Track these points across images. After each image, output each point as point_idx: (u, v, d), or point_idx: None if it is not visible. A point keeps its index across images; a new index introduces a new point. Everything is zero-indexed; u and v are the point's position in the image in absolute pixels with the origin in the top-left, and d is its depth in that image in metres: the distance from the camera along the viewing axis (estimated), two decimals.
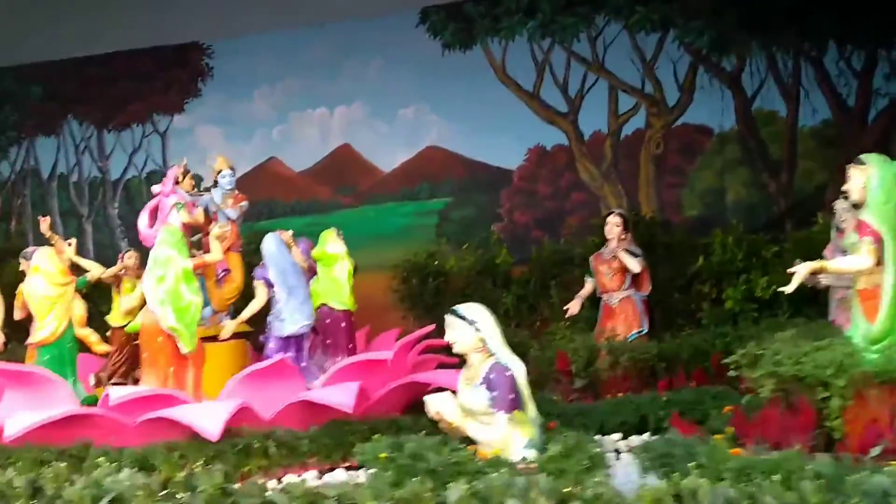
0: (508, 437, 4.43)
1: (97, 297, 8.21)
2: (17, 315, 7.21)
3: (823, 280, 6.36)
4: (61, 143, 11.78)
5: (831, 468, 3.51)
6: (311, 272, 7.59)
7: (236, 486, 3.77)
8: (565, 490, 3.38)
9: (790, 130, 9.34)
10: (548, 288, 8.97)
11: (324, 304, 7.39)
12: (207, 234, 6.90)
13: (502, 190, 10.19)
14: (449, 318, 4.71)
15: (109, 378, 7.13)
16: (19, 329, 8.33)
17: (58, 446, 5.04)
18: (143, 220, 6.82)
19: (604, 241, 7.83)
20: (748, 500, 3.28)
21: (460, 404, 4.61)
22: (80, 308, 6.63)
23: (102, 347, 6.92)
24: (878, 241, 4.34)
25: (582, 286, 7.93)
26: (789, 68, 9.34)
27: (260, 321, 7.07)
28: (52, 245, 7.13)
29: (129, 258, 7.73)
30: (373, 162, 10.71)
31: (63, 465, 4.20)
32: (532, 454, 4.41)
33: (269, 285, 6.61)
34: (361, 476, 5.10)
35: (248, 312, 6.69)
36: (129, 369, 7.35)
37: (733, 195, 9.52)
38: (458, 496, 3.46)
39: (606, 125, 9.87)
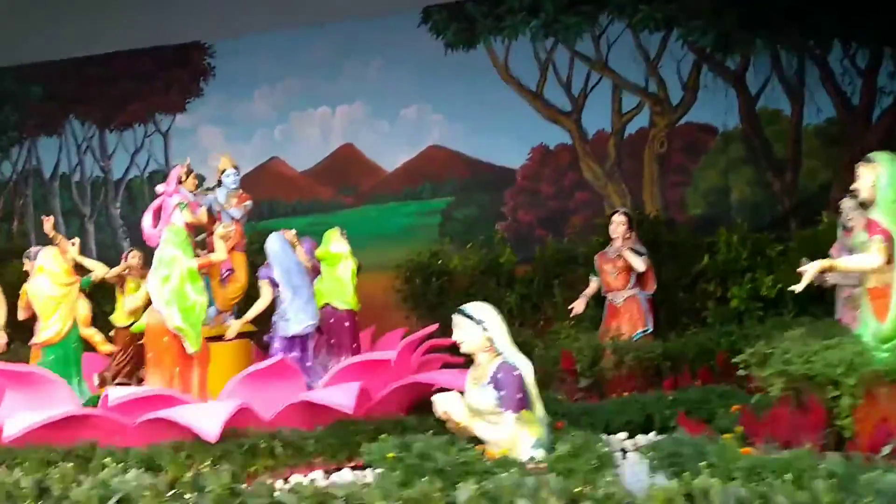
0: (516, 437, 4.41)
1: (100, 297, 8.20)
2: (22, 315, 7.20)
3: (830, 279, 6.34)
4: (63, 143, 11.77)
5: (843, 467, 3.49)
6: (315, 272, 7.56)
7: (244, 486, 3.74)
8: (576, 490, 3.36)
9: (794, 129, 9.33)
10: (551, 287, 8.96)
11: (327, 304, 7.36)
12: (212, 233, 6.88)
13: (505, 189, 10.18)
14: (456, 318, 4.69)
15: (113, 378, 7.12)
16: (21, 329, 8.33)
17: (64, 447, 5.02)
18: (146, 219, 6.78)
19: (608, 240, 7.82)
20: (760, 500, 3.26)
21: (468, 404, 4.60)
22: (84, 308, 6.61)
23: (107, 347, 6.90)
24: (888, 240, 4.32)
25: (586, 285, 7.92)
26: (793, 67, 9.33)
27: (264, 321, 7.06)
28: (55, 245, 7.10)
29: (133, 258, 7.72)
30: (375, 161, 10.70)
31: (70, 465, 4.17)
32: (540, 454, 4.39)
33: (274, 285, 6.59)
34: (368, 476, 5.11)
35: (253, 312, 6.68)
36: (133, 369, 7.34)
37: (737, 194, 9.51)
38: (468, 496, 3.43)
39: (610, 124, 9.86)
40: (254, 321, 6.96)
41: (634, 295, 7.54)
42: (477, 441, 4.51)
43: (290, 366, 6.02)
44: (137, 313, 7.15)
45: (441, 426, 5.16)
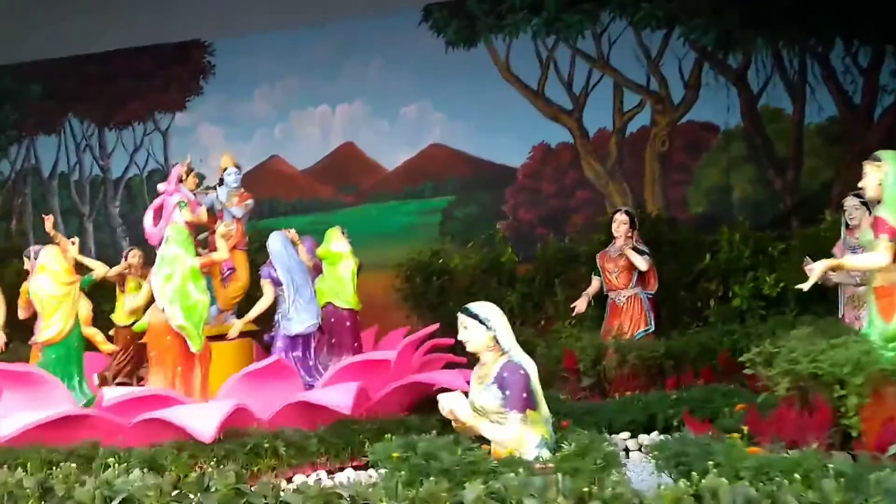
0: (522, 437, 4.40)
1: (98, 297, 8.16)
2: (22, 314, 7.19)
3: (833, 277, 6.34)
4: (62, 142, 11.73)
5: (851, 467, 3.48)
6: (317, 271, 7.55)
7: (251, 487, 3.72)
8: (584, 489, 3.34)
9: (796, 127, 9.31)
10: (553, 286, 8.95)
11: (329, 303, 7.34)
12: (213, 232, 6.86)
13: (506, 188, 10.15)
14: (461, 317, 4.68)
15: (114, 377, 7.11)
16: (19, 329, 8.30)
17: (66, 446, 4.99)
18: (147, 218, 6.76)
19: (609, 238, 7.81)
20: (769, 500, 3.24)
21: (472, 403, 4.58)
22: (85, 307, 6.58)
23: (109, 346, 6.89)
24: (895, 239, 4.31)
25: (587, 284, 7.91)
26: (795, 65, 9.31)
27: (264, 320, 7.04)
28: (56, 244, 7.07)
29: (133, 257, 7.70)
30: (375, 160, 10.67)
31: (73, 465, 4.14)
32: (545, 453, 4.37)
33: (276, 284, 6.56)
34: (371, 476, 5.09)
35: (255, 311, 6.66)
36: (133, 369, 7.33)
37: (739, 192, 9.49)
38: (475, 496, 3.41)
39: (611, 122, 9.84)
40: (255, 320, 6.94)
41: (637, 294, 7.54)
42: (482, 440, 4.50)
43: (287, 366, 6.00)
44: (138, 312, 7.13)
45: (444, 426, 5.15)
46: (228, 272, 7.32)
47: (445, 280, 9.22)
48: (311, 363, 6.49)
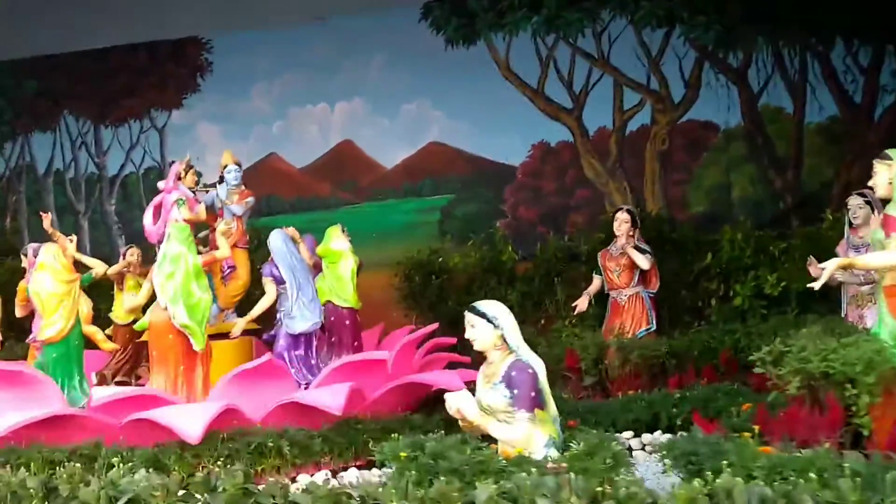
0: (530, 436, 4.36)
1: (95, 295, 8.10)
2: (19, 312, 7.13)
3: (838, 276, 6.31)
4: (57, 139, 11.64)
5: (865, 466, 3.45)
6: (317, 269, 7.50)
7: (259, 486, 3.67)
8: (598, 489, 3.30)
9: (796, 127, 9.34)
10: (553, 285, 8.92)
11: (329, 302, 7.29)
12: (214, 230, 6.81)
13: (506, 186, 10.14)
14: (469, 316, 4.63)
15: (113, 376, 7.06)
16: (14, 327, 8.22)
17: (68, 446, 4.93)
18: (147, 216, 6.70)
19: (610, 237, 7.78)
20: (784, 499, 3.21)
21: (479, 402, 4.54)
22: (86, 306, 6.52)
23: (109, 345, 6.83)
24: None
25: (588, 283, 7.90)
26: (796, 64, 9.34)
27: (264, 318, 6.99)
28: (54, 241, 7.00)
29: (132, 255, 7.64)
30: (374, 158, 10.65)
31: (77, 465, 4.09)
32: (553, 453, 4.34)
33: (278, 282, 6.51)
34: (375, 475, 5.06)
35: (258, 309, 6.60)
36: (132, 367, 7.28)
37: (739, 192, 9.51)
38: (487, 496, 3.37)
39: (611, 121, 9.85)
40: (255, 319, 6.89)
41: (638, 293, 7.52)
42: (489, 440, 4.46)
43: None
44: (137, 311, 7.08)
45: (447, 425, 5.11)
46: (229, 270, 7.27)
47: (445, 279, 9.18)
48: (312, 362, 6.45)
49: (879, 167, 4.53)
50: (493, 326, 4.57)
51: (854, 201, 6.47)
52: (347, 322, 7.35)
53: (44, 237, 7.47)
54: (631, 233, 7.53)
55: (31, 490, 3.86)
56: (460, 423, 4.55)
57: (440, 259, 9.31)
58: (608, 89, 9.82)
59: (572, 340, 7.52)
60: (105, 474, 4.14)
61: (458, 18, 10.11)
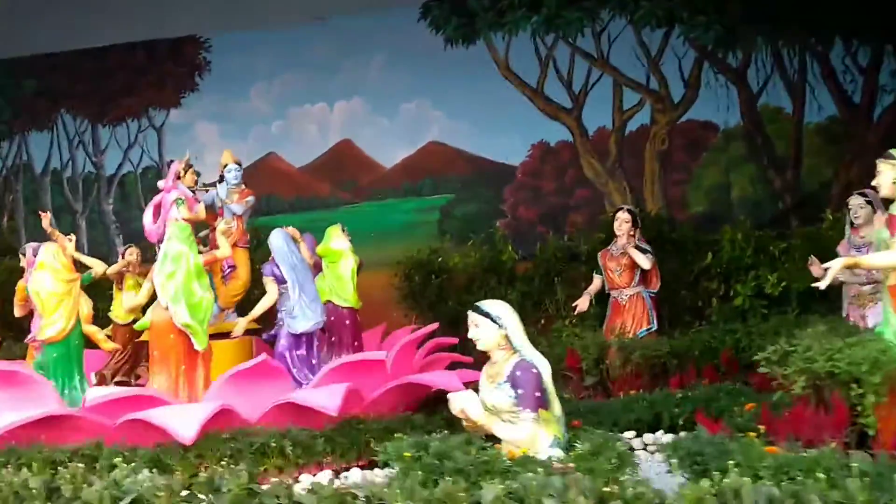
0: (535, 436, 4.35)
1: (94, 295, 8.05)
2: (18, 312, 7.09)
3: (839, 276, 6.30)
4: (54, 138, 11.60)
5: (872, 465, 3.45)
6: (317, 269, 7.47)
7: (263, 487, 3.65)
8: (605, 489, 3.29)
9: (796, 127, 9.36)
10: (553, 285, 8.91)
11: (328, 301, 7.27)
12: (214, 229, 6.78)
13: (505, 186, 10.14)
14: (472, 315, 4.62)
15: (113, 376, 7.03)
16: (12, 327, 8.19)
17: (70, 446, 4.90)
18: (147, 216, 6.67)
19: (610, 237, 7.78)
20: (792, 499, 3.21)
21: (483, 402, 4.53)
22: (86, 305, 6.49)
23: (110, 344, 6.79)
24: None
25: (587, 283, 7.89)
26: (795, 64, 9.36)
27: (264, 318, 6.95)
28: (53, 241, 6.97)
29: (131, 254, 7.62)
30: (374, 158, 10.63)
31: (81, 465, 4.07)
32: (558, 453, 4.32)
33: (279, 281, 6.48)
34: (378, 475, 5.04)
35: (259, 309, 6.56)
36: (132, 367, 7.25)
37: (738, 191, 9.52)
38: (494, 496, 3.36)
39: (611, 121, 9.85)
40: (255, 318, 6.85)
41: (639, 292, 7.51)
42: (492, 440, 4.44)
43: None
44: (136, 311, 7.05)
45: (448, 424, 5.10)
46: (229, 270, 7.24)
47: (444, 279, 9.17)
48: (314, 361, 6.41)
49: (883, 167, 4.53)
50: (497, 326, 4.56)
51: (855, 201, 6.47)
52: (347, 322, 7.33)
53: (41, 236, 7.44)
54: (632, 232, 7.52)
55: (34, 490, 3.85)
56: (464, 423, 4.53)
57: (440, 259, 9.29)
58: (608, 89, 9.82)
59: (573, 340, 7.51)
60: (107, 474, 4.13)
61: (457, 18, 10.10)
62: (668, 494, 3.32)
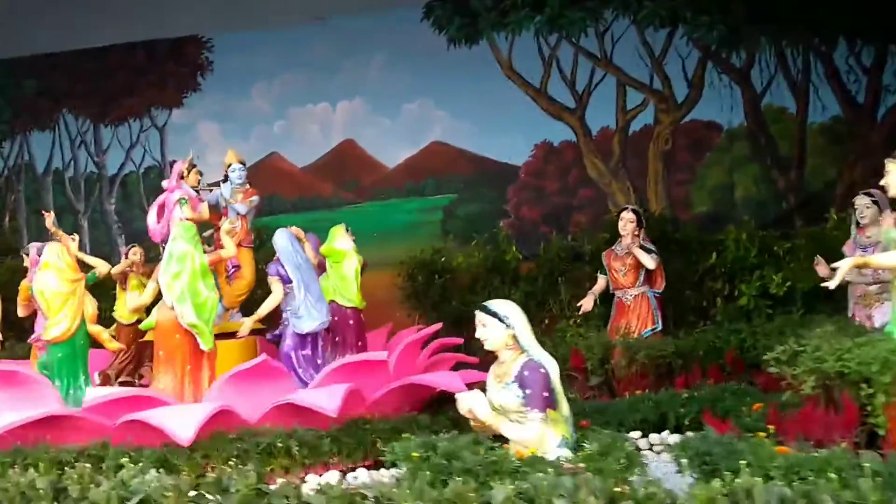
0: (543, 436, 4.33)
1: (96, 295, 8.02)
2: (22, 312, 7.08)
3: (846, 276, 6.30)
4: (56, 138, 11.58)
5: (884, 465, 3.43)
6: (321, 268, 7.46)
7: (272, 487, 3.64)
8: (616, 490, 3.28)
9: (799, 126, 9.35)
10: (556, 284, 8.90)
11: (332, 301, 7.25)
12: (218, 229, 6.76)
13: (508, 186, 10.12)
14: (480, 315, 4.59)
15: (117, 376, 7.01)
16: (15, 327, 8.16)
17: (76, 446, 4.89)
18: (151, 215, 6.68)
19: (614, 237, 7.77)
20: (804, 499, 3.19)
21: (491, 402, 4.51)
22: (91, 305, 6.47)
23: (115, 344, 6.77)
24: None
25: (591, 283, 7.89)
26: (798, 64, 9.35)
27: (267, 317, 6.94)
28: (57, 241, 6.94)
29: (134, 254, 7.60)
30: (376, 157, 10.62)
31: (87, 465, 4.05)
32: (566, 453, 4.31)
33: (285, 281, 6.46)
34: (384, 476, 5.02)
35: (265, 309, 6.55)
36: (135, 367, 7.23)
37: (742, 191, 9.51)
38: (504, 496, 3.35)
39: (614, 121, 9.84)
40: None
41: (644, 292, 7.50)
42: (500, 440, 4.43)
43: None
44: (140, 311, 7.04)
45: (454, 425, 5.08)
46: (233, 270, 7.23)
47: (448, 278, 9.16)
48: (319, 361, 6.40)
49: (891, 166, 4.52)
50: (504, 326, 4.53)
51: (861, 201, 6.47)
52: (351, 322, 7.32)
53: (43, 237, 7.42)
54: (636, 232, 7.52)
55: (41, 490, 3.83)
56: (472, 423, 4.51)
57: (443, 259, 9.28)
58: (611, 89, 9.81)
59: (577, 340, 7.50)
60: (113, 475, 4.11)
61: (460, 18, 10.08)
62: (679, 494, 3.31)
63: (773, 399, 5.07)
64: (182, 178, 6.94)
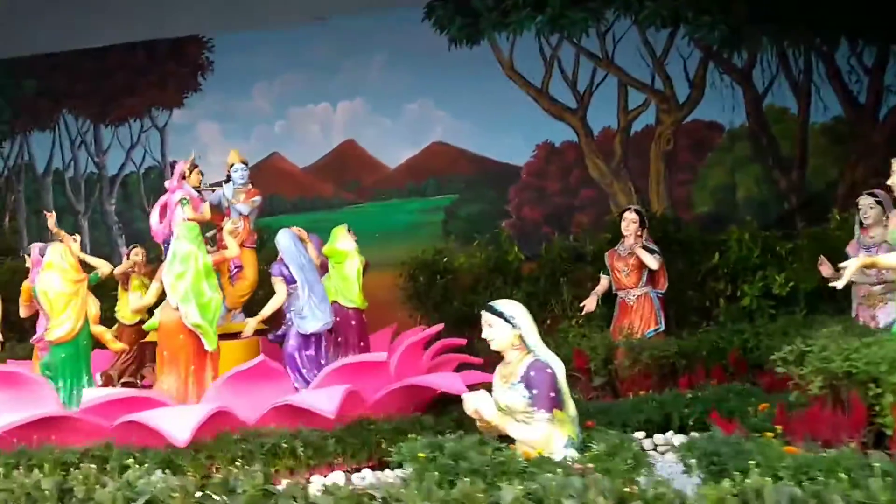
0: (550, 437, 4.32)
1: (97, 296, 8.01)
2: (24, 313, 7.05)
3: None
4: (56, 138, 11.55)
5: (893, 465, 3.42)
6: (323, 269, 7.44)
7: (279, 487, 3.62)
8: (625, 490, 3.27)
9: (801, 127, 9.36)
10: (558, 285, 8.88)
11: (334, 302, 7.23)
12: (221, 229, 6.74)
13: (510, 186, 10.12)
14: (486, 315, 4.58)
15: (119, 377, 6.99)
16: (15, 328, 8.13)
17: (80, 447, 4.87)
18: (154, 215, 6.66)
19: (616, 237, 7.76)
20: (814, 500, 3.18)
21: (497, 402, 4.50)
22: (94, 306, 6.45)
23: (118, 345, 6.75)
24: None
25: (593, 283, 7.87)
26: (800, 65, 9.36)
27: (270, 318, 6.91)
28: (59, 241, 6.92)
29: (136, 254, 7.57)
30: (377, 158, 10.60)
31: (93, 466, 4.03)
32: (572, 453, 4.30)
33: (288, 281, 6.44)
34: (388, 476, 5.01)
35: (269, 309, 6.52)
36: (137, 368, 7.21)
37: (744, 192, 9.51)
38: (513, 497, 3.33)
39: (616, 121, 9.84)
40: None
41: (647, 293, 7.49)
42: (505, 440, 4.41)
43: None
44: (142, 311, 7.01)
45: (458, 426, 5.07)
46: (235, 270, 7.21)
47: (449, 279, 9.14)
48: (323, 362, 6.38)
49: None
50: (510, 326, 4.53)
51: (865, 201, 6.46)
52: (353, 322, 7.30)
53: (43, 237, 7.39)
54: (639, 233, 7.50)
55: (46, 491, 3.81)
56: (477, 423, 4.50)
57: (445, 259, 9.26)
58: (612, 89, 9.81)
59: (579, 341, 7.48)
60: (118, 475, 4.10)
61: (461, 18, 10.08)
62: (688, 495, 3.30)
63: (777, 399, 5.07)
64: (184, 178, 6.93)
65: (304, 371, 6.23)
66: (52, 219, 7.33)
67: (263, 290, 7.43)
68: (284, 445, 4.90)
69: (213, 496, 3.68)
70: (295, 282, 6.40)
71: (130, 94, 11.19)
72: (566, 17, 9.75)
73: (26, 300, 6.95)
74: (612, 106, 9.81)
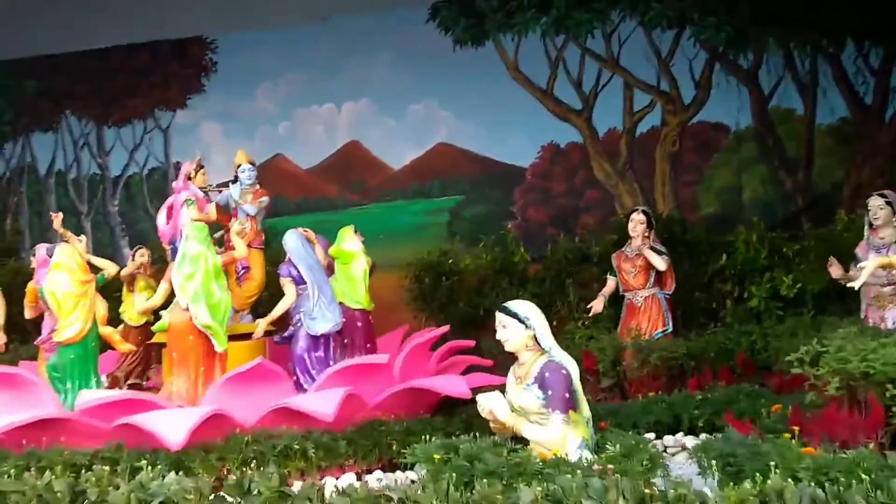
0: (564, 438, 4.29)
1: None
2: (29, 314, 7.02)
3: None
4: (59, 139, 11.51)
5: None
6: (330, 270, 7.42)
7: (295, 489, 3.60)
8: (646, 491, 3.25)
9: (807, 128, 9.34)
10: (564, 286, 8.86)
11: (340, 303, 7.20)
12: (228, 230, 6.71)
13: (515, 187, 10.09)
14: (500, 316, 4.56)
15: (126, 378, 6.96)
16: (18, 329, 8.10)
17: (90, 449, 4.84)
18: (161, 216, 6.63)
19: (623, 238, 7.73)
20: (836, 501, 3.17)
21: (511, 403, 4.47)
22: (102, 307, 6.42)
23: (126, 346, 6.72)
24: None
25: (599, 284, 7.85)
26: (806, 66, 9.35)
27: (278, 319, 6.88)
28: (65, 242, 6.89)
29: (142, 255, 7.54)
30: (382, 159, 10.58)
31: (105, 468, 4.00)
32: (587, 455, 4.27)
33: (297, 282, 6.41)
34: (399, 477, 4.99)
35: (278, 310, 6.49)
36: (144, 369, 7.18)
37: (750, 193, 9.49)
38: (532, 498, 3.31)
39: (621, 122, 9.82)
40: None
41: (654, 294, 7.46)
42: (518, 441, 4.39)
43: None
44: (148, 312, 6.98)
45: (467, 427, 5.05)
46: (243, 271, 7.18)
47: (455, 280, 9.12)
48: (331, 363, 6.34)
49: None
50: (524, 327, 4.51)
51: (874, 202, 6.42)
52: (359, 323, 7.28)
53: (45, 238, 7.36)
54: (647, 234, 7.48)
55: (59, 494, 3.78)
56: (491, 424, 4.47)
57: (450, 260, 9.24)
58: (618, 90, 9.79)
59: (586, 342, 7.47)
60: (129, 477, 4.07)
61: (466, 19, 10.06)
62: (709, 496, 3.28)
63: (786, 400, 5.05)
64: (189, 178, 6.90)
65: (313, 372, 6.20)
66: (58, 220, 7.29)
67: (268, 292, 7.41)
68: (296, 447, 4.87)
69: (228, 497, 3.66)
70: (303, 283, 6.36)
71: (133, 94, 11.16)
72: (571, 18, 9.73)
73: (31, 301, 6.92)
74: (617, 107, 9.79)
